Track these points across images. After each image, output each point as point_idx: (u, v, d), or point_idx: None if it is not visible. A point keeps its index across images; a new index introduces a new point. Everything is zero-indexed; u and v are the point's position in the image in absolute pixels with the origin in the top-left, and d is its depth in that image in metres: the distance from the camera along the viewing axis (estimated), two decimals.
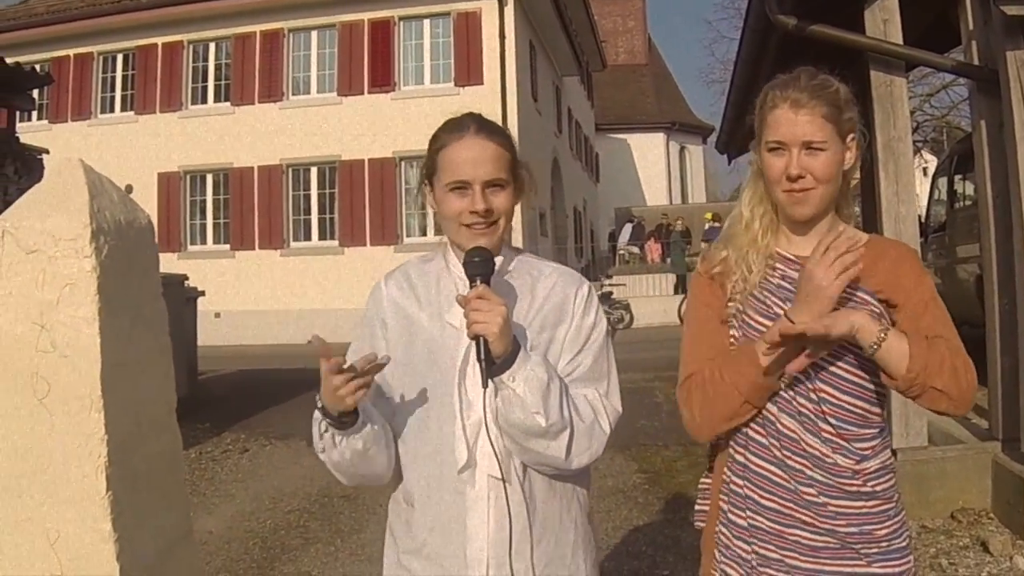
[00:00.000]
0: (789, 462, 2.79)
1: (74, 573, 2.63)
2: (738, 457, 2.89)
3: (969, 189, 13.45)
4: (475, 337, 2.70)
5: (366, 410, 2.83)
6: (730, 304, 2.92)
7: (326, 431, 2.80)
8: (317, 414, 2.80)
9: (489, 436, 2.80)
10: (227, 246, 31.14)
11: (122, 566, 2.63)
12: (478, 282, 2.76)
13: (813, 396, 2.78)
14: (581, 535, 3.04)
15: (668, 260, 36.50)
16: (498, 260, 2.91)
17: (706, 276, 3.02)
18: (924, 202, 16.76)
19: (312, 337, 2.71)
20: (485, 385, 2.73)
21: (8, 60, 13.59)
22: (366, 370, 2.69)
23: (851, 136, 2.85)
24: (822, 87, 2.80)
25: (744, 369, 2.78)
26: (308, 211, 31.04)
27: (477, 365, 2.74)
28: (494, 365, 2.71)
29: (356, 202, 29.70)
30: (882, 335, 2.63)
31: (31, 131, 26.08)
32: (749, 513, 2.84)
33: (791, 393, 2.80)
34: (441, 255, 3.11)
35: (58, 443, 2.62)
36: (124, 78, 32.41)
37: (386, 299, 3.06)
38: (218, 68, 31.87)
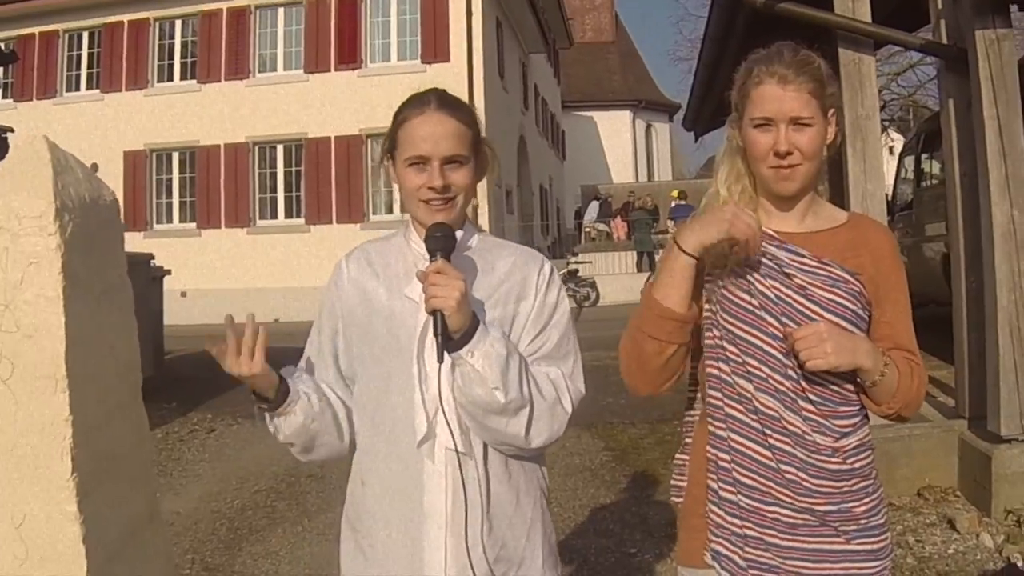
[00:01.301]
0: (771, 440, 2.78)
1: (40, 556, 2.60)
2: (720, 432, 2.87)
3: (936, 168, 13.50)
4: (433, 311, 2.68)
5: (300, 382, 2.96)
6: (708, 278, 2.89)
7: (263, 416, 2.91)
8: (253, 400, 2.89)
9: (443, 410, 2.80)
10: (193, 224, 31.02)
11: (88, 548, 2.59)
12: (437, 257, 2.76)
13: (792, 374, 2.77)
14: (539, 516, 3.03)
15: (633, 238, 36.52)
16: (458, 235, 2.91)
17: None
18: (891, 180, 16.78)
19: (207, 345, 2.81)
20: (440, 359, 2.71)
21: None
22: (248, 335, 2.78)
23: (832, 111, 2.85)
24: (807, 62, 2.79)
25: (642, 304, 2.82)
26: (274, 189, 30.95)
27: (434, 340, 2.73)
28: (451, 340, 2.70)
29: (322, 180, 29.64)
30: (881, 375, 2.74)
31: None
32: (733, 489, 2.83)
33: (766, 371, 2.79)
34: (402, 232, 3.11)
35: (22, 425, 2.58)
36: (90, 56, 32.17)
37: (347, 278, 3.08)
38: (184, 46, 31.69)
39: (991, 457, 7.20)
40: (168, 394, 14.13)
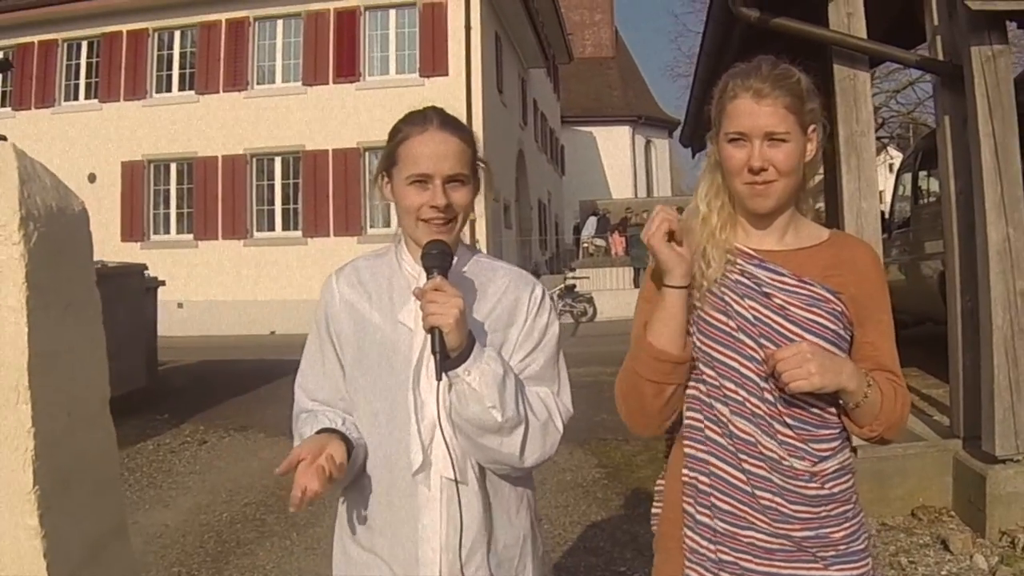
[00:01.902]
0: (746, 465, 2.72)
1: (1, 569, 2.55)
2: (699, 455, 2.82)
3: (933, 185, 13.44)
4: (430, 329, 2.65)
5: (354, 431, 2.93)
6: None
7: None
8: None
9: (443, 435, 2.78)
10: (191, 236, 31.00)
11: (50, 562, 2.54)
12: (435, 274, 2.73)
13: (768, 397, 2.71)
14: (529, 534, 3.04)
15: (631, 253, 36.55)
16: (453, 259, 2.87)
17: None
18: (889, 198, 16.77)
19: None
20: (439, 377, 2.68)
21: None
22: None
23: (812, 127, 2.78)
24: (784, 77, 2.73)
25: (636, 347, 2.79)
26: (272, 201, 30.95)
27: (431, 361, 2.70)
28: (448, 359, 2.67)
29: (320, 193, 29.64)
30: (864, 397, 2.68)
31: None
32: (709, 513, 2.78)
33: (743, 394, 2.73)
34: (393, 251, 3.08)
35: None
36: (88, 66, 32.22)
37: (338, 297, 3.02)
38: (183, 56, 31.74)
39: (985, 477, 7.13)
40: (160, 405, 14.14)
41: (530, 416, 2.81)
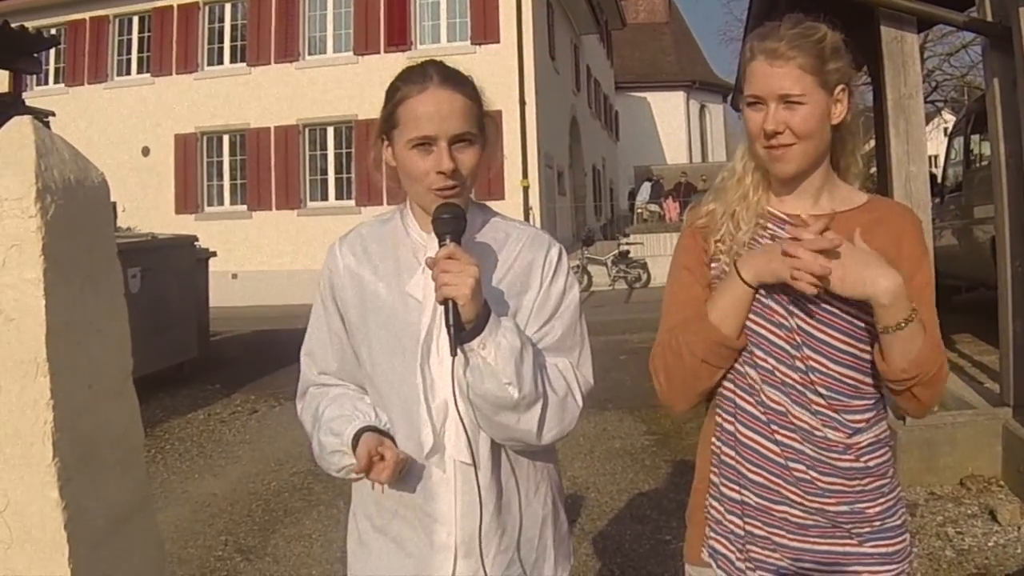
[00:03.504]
0: (778, 436, 2.64)
1: (24, 541, 2.56)
2: (727, 426, 2.75)
3: (985, 149, 13.22)
4: (444, 301, 2.50)
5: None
6: (714, 264, 2.77)
7: (341, 469, 2.75)
8: (340, 458, 2.74)
9: (459, 413, 2.63)
10: (244, 207, 31.28)
11: (71, 534, 2.55)
12: (447, 240, 2.55)
13: (800, 365, 2.62)
14: (550, 513, 2.90)
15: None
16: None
17: (691, 230, 2.87)
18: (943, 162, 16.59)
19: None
20: (454, 353, 2.52)
21: (26, 24, 13.53)
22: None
23: (839, 87, 2.65)
24: (802, 36, 2.60)
25: (696, 327, 2.66)
26: (325, 171, 31.13)
27: (444, 335, 2.56)
28: (463, 331, 2.51)
29: None
30: (909, 320, 2.49)
31: (48, 95, 26.39)
32: (737, 486, 2.71)
33: (772, 362, 2.65)
34: (399, 217, 2.94)
35: (4, 408, 2.54)
36: (140, 40, 32.55)
37: (342, 266, 2.87)
38: (234, 29, 31.93)
39: None
40: (212, 375, 14.30)
41: (548, 391, 2.64)
